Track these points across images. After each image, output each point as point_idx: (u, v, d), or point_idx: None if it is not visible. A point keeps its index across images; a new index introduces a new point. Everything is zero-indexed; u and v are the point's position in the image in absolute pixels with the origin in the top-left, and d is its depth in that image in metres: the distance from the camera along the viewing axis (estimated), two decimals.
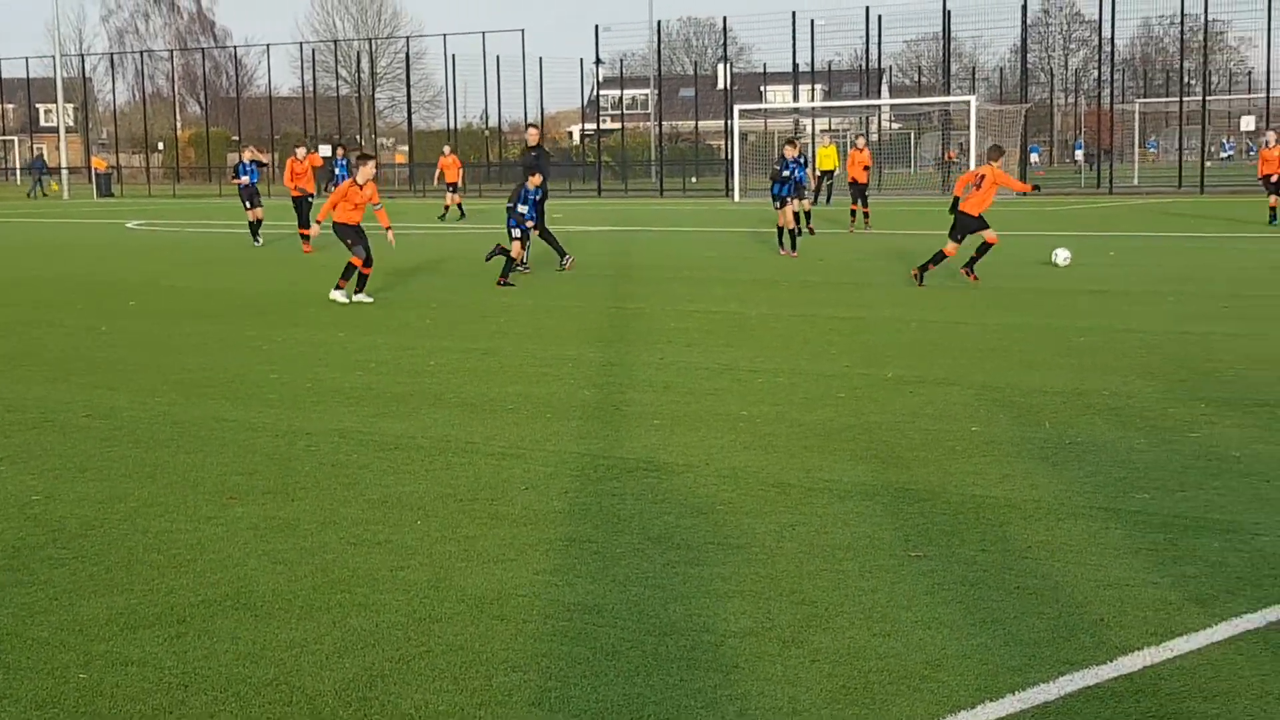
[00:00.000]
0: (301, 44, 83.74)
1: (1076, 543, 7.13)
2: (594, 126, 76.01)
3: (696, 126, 72.65)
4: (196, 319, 17.67)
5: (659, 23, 67.67)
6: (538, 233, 23.28)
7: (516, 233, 21.42)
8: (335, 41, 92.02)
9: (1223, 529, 7.32)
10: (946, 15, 59.64)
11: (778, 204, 26.63)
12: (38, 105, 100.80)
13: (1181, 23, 59.24)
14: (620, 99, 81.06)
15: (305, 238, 29.66)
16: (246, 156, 32.93)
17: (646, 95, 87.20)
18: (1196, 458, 8.94)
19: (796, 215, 27.03)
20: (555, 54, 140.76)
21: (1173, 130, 72.81)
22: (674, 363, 13.39)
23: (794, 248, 26.38)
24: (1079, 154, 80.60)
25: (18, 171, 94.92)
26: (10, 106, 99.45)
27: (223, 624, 6.17)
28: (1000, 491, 8.22)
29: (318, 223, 20.52)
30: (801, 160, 29.58)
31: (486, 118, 78.99)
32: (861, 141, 37.99)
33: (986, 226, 20.17)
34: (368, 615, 6.24)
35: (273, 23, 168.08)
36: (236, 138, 79.95)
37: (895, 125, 78.26)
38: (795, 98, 66.75)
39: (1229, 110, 79.66)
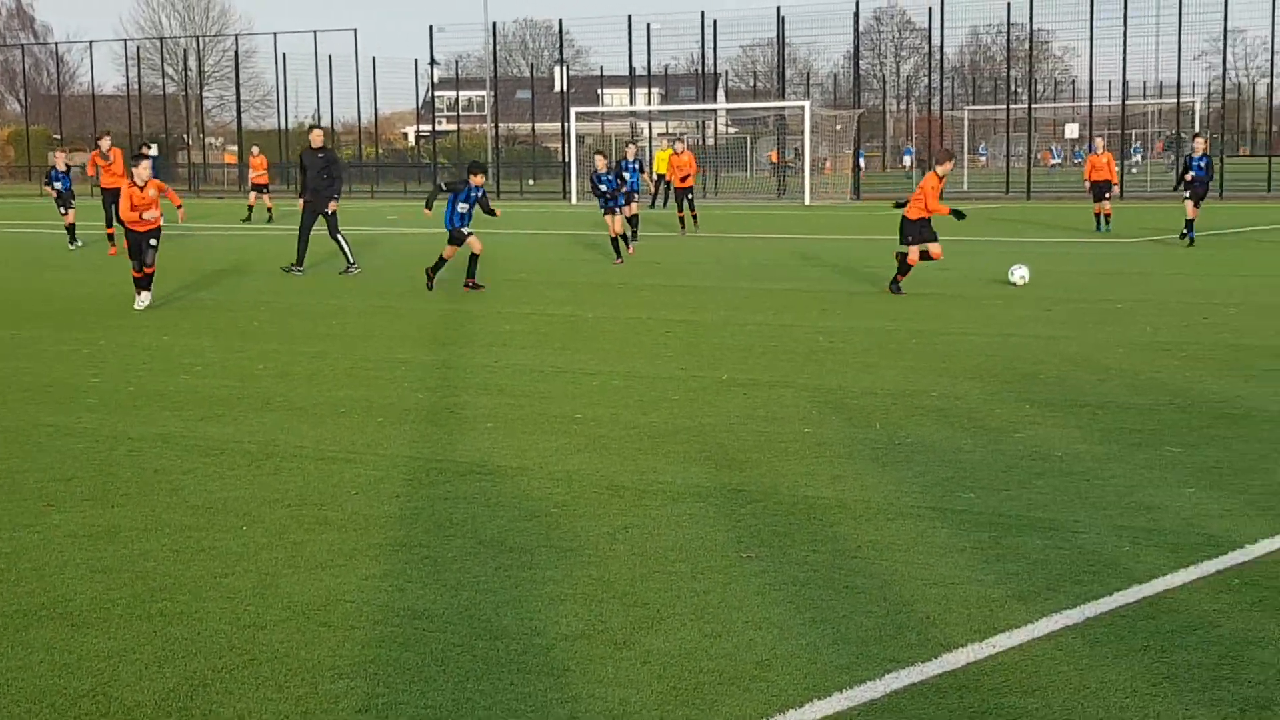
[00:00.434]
0: (125, 41, 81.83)
1: (904, 542, 7.22)
2: (429, 128, 75.49)
3: (533, 129, 72.47)
4: (14, 322, 17.18)
5: (494, 24, 67.45)
6: (332, 236, 23.36)
7: (466, 231, 20.65)
8: (161, 39, 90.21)
9: (1045, 527, 7.46)
10: (780, 21, 60.25)
11: (605, 213, 25.86)
12: None
13: (1008, 32, 60.58)
14: (456, 100, 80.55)
15: (111, 238, 28.61)
16: (59, 164, 31.78)
17: (483, 97, 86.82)
18: (1021, 458, 9.11)
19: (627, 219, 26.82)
20: (389, 54, 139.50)
21: (1001, 137, 74.34)
22: (509, 365, 13.32)
23: (619, 253, 25.98)
24: (907, 159, 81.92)
25: None
26: None
27: (37, 634, 5.99)
28: (831, 492, 8.29)
29: (120, 222, 19.79)
30: (637, 164, 29.59)
31: (319, 118, 78.02)
32: (680, 146, 36.47)
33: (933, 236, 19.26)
34: (189, 624, 6.10)
35: (96, 19, 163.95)
36: (58, 136, 77.93)
37: (732, 129, 78.82)
38: (632, 101, 66.91)
39: (1055, 118, 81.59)
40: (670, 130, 70.47)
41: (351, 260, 23.63)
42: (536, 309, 18.07)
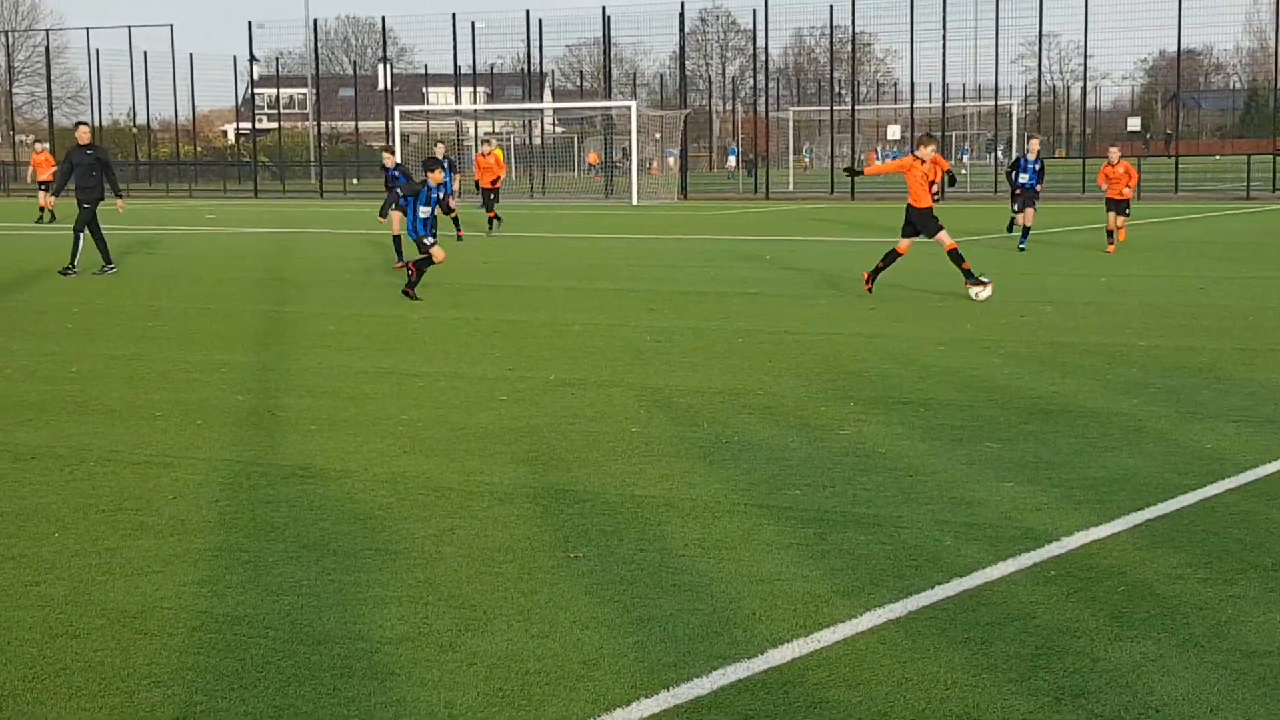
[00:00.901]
0: None
1: (731, 539, 7.26)
2: (250, 126, 74.31)
3: (357, 127, 71.71)
4: None
5: (315, 20, 66.57)
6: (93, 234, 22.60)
7: (430, 240, 18.82)
8: None
9: (869, 523, 7.55)
10: (606, 21, 60.39)
11: (382, 216, 22.95)
12: None
13: (831, 34, 61.42)
14: (277, 98, 79.32)
15: None
16: None
17: (305, 94, 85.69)
18: (845, 454, 9.22)
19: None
20: (208, 50, 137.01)
21: (826, 138, 75.37)
22: (332, 367, 13.14)
23: (400, 259, 23.58)
24: (731, 160, 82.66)
25: None
26: None
27: None
28: (659, 491, 8.31)
29: None
30: (447, 163, 29.35)
31: (134, 115, 76.44)
32: (486, 148, 35.53)
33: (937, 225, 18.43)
34: None
35: None
36: None
37: (559, 129, 78.79)
38: (457, 100, 66.57)
39: (878, 119, 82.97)
40: (497, 130, 70.22)
41: (73, 264, 22.88)
42: (360, 310, 17.86)
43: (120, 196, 23.85)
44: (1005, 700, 5.16)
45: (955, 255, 18.12)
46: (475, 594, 6.42)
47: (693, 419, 10.47)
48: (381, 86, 67.58)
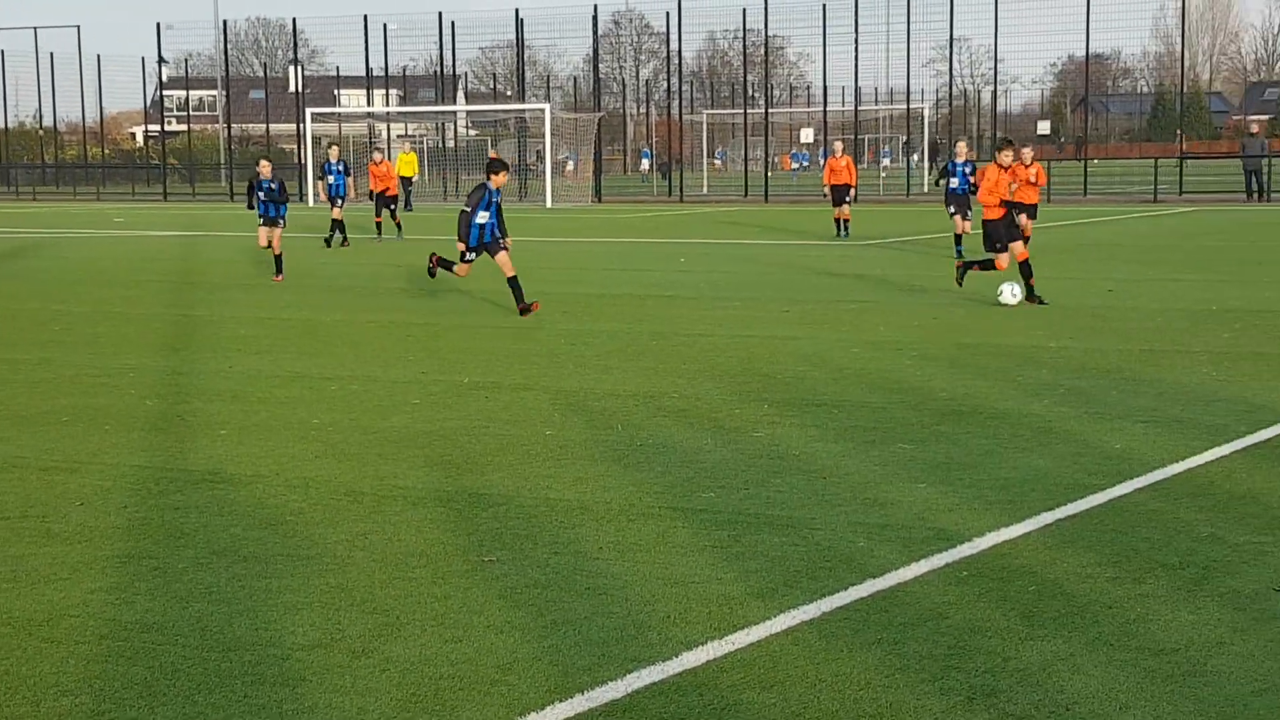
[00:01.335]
0: None
1: (646, 542, 7.25)
2: (159, 128, 73.49)
3: (268, 129, 71.04)
4: None
5: (225, 22, 66.12)
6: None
7: (471, 255, 17.36)
8: None
9: (783, 524, 7.58)
10: (520, 23, 60.31)
11: (263, 221, 22.46)
12: None
13: (744, 37, 61.67)
14: (186, 100, 78.26)
15: None
16: None
17: (214, 96, 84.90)
18: (759, 456, 9.24)
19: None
20: (115, 52, 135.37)
21: (739, 141, 75.59)
22: (243, 371, 13.02)
23: (279, 271, 22.29)
24: (645, 163, 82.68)
25: None
26: None
27: None
28: (573, 494, 8.29)
29: None
30: (341, 166, 30.84)
31: (40, 117, 75.40)
32: (379, 155, 34.76)
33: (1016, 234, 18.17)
34: None
35: None
36: None
37: (473, 132, 78.50)
38: (370, 102, 66.19)
39: (791, 122, 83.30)
40: (410, 132, 69.89)
41: None
42: (271, 313, 17.71)
43: None
44: (918, 700, 5.19)
45: (991, 265, 18.03)
46: (388, 599, 6.37)
47: (607, 422, 10.46)
48: (293, 89, 67.02)
